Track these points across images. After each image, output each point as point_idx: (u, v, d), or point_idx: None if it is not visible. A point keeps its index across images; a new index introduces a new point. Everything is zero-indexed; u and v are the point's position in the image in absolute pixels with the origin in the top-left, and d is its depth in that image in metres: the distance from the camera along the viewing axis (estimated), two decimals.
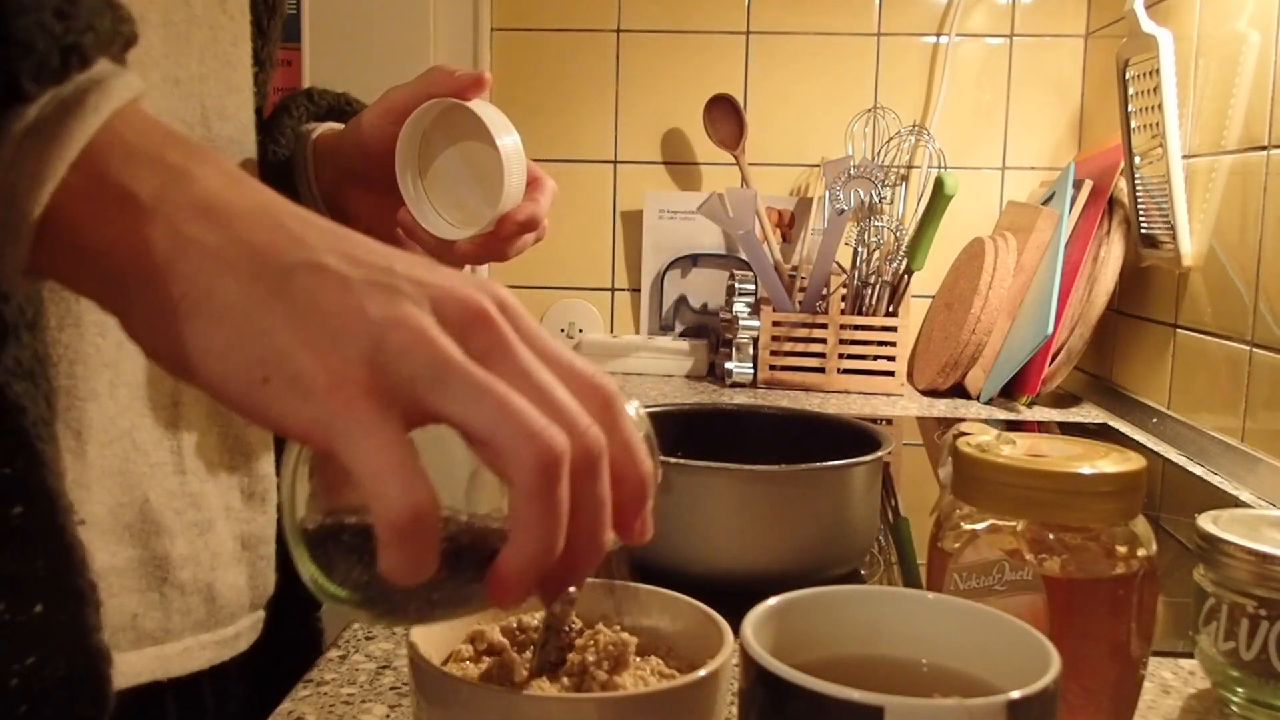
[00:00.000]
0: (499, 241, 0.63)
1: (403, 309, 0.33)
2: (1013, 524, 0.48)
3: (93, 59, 0.34)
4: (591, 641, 0.45)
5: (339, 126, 0.70)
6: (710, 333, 1.66)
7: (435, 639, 0.46)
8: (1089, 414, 1.39)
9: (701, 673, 0.42)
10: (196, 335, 0.33)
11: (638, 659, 0.46)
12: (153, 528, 0.53)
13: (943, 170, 1.54)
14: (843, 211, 1.48)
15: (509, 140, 0.62)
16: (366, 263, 0.34)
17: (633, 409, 0.40)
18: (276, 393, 0.32)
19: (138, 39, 0.37)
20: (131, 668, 0.51)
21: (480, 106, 0.61)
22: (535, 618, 0.48)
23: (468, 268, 0.56)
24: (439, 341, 0.33)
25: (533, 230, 0.64)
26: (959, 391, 1.49)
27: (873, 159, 1.57)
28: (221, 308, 0.33)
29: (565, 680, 0.44)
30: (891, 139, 1.61)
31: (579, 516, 0.34)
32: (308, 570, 0.37)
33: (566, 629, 0.45)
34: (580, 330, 1.73)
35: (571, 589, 0.44)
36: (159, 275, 0.33)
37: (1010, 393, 1.43)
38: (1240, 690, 0.55)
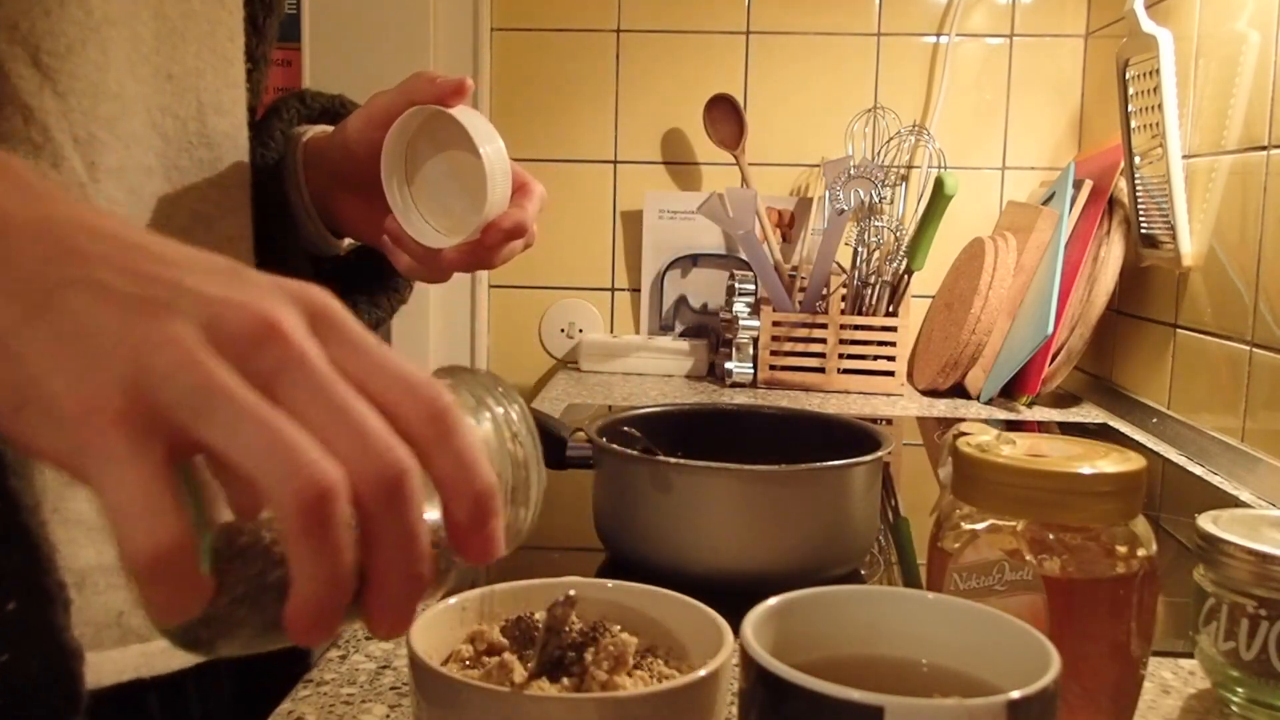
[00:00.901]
0: (485, 250, 0.62)
1: (171, 328, 0.30)
2: (1013, 524, 0.48)
3: None
4: (592, 642, 0.45)
5: (331, 129, 0.70)
6: (710, 333, 1.66)
7: (435, 639, 0.46)
8: (1089, 414, 1.39)
9: (701, 673, 0.42)
10: None
11: (638, 659, 0.46)
12: (104, 568, 0.51)
13: (943, 170, 1.54)
14: (843, 211, 1.48)
15: (491, 148, 0.61)
16: (149, 276, 0.31)
17: (515, 411, 0.39)
18: (30, 421, 0.30)
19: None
20: (115, 665, 0.51)
21: (463, 114, 0.61)
22: (537, 616, 0.48)
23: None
24: (204, 364, 0.30)
25: (519, 237, 0.63)
26: (959, 391, 1.49)
27: (873, 159, 1.57)
28: None
29: (565, 681, 0.44)
30: (891, 139, 1.61)
31: (378, 549, 0.31)
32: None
33: (566, 629, 0.45)
34: (580, 330, 1.73)
35: (571, 591, 0.44)
36: None
37: (1010, 393, 1.43)
38: (1240, 690, 0.55)
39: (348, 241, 0.72)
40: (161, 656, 0.54)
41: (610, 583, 0.50)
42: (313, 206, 0.68)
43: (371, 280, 0.73)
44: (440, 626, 0.47)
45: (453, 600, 0.48)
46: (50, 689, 0.43)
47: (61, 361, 0.30)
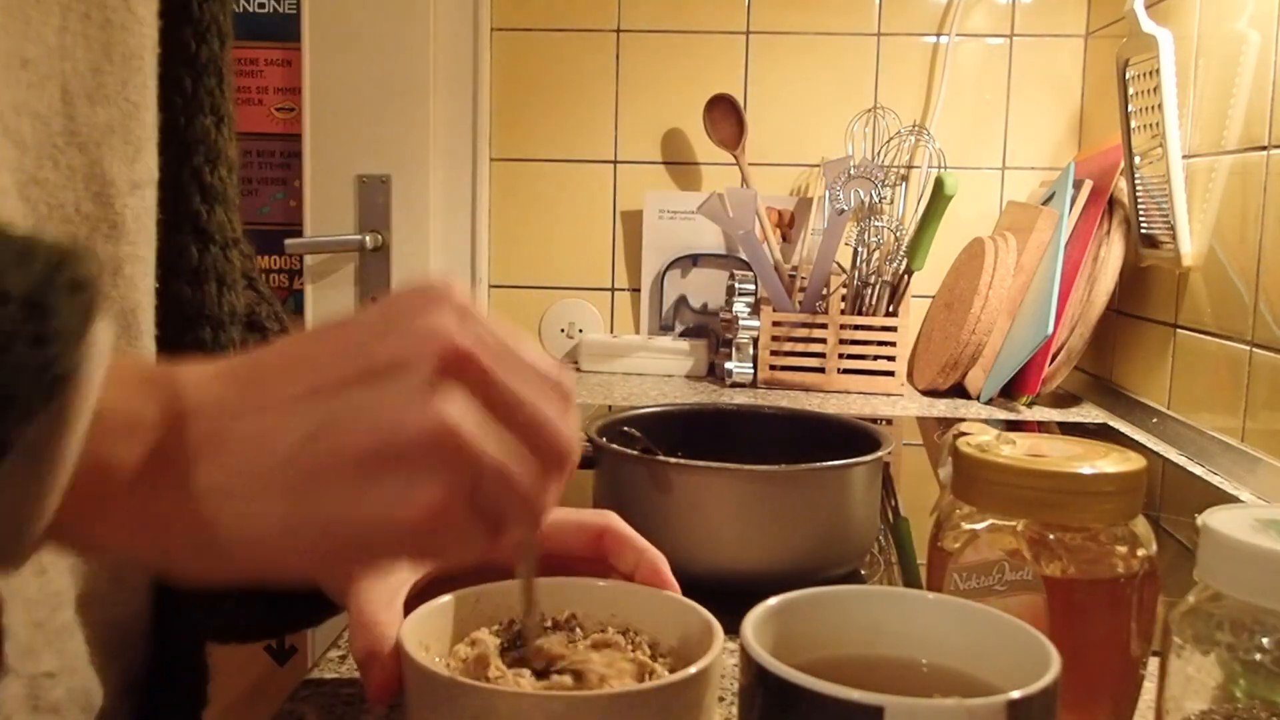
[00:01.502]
0: None
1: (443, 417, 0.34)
2: (1013, 524, 0.48)
3: (79, 374, 0.31)
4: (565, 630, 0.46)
5: None
6: (710, 333, 1.66)
7: (427, 636, 0.46)
8: (1089, 414, 1.39)
9: (691, 670, 0.42)
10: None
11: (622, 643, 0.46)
12: (20, 649, 0.47)
13: (943, 170, 1.54)
14: (843, 211, 1.48)
15: None
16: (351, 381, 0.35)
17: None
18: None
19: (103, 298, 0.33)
20: None
21: None
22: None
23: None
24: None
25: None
26: (959, 391, 1.49)
27: (873, 159, 1.57)
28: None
29: (554, 677, 0.44)
30: (891, 139, 1.61)
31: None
32: None
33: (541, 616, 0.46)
34: (580, 330, 1.73)
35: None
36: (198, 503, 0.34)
37: (1010, 393, 1.43)
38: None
39: None
40: None
41: (601, 582, 0.50)
42: None
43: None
44: (432, 624, 0.47)
45: (445, 598, 0.48)
46: None
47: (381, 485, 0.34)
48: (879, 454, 0.72)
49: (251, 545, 0.34)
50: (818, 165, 1.67)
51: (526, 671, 0.45)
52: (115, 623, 0.53)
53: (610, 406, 1.38)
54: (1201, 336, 1.20)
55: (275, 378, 0.35)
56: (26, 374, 0.30)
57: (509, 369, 0.36)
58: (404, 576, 0.49)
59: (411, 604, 0.47)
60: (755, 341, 1.50)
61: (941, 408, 1.42)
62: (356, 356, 0.35)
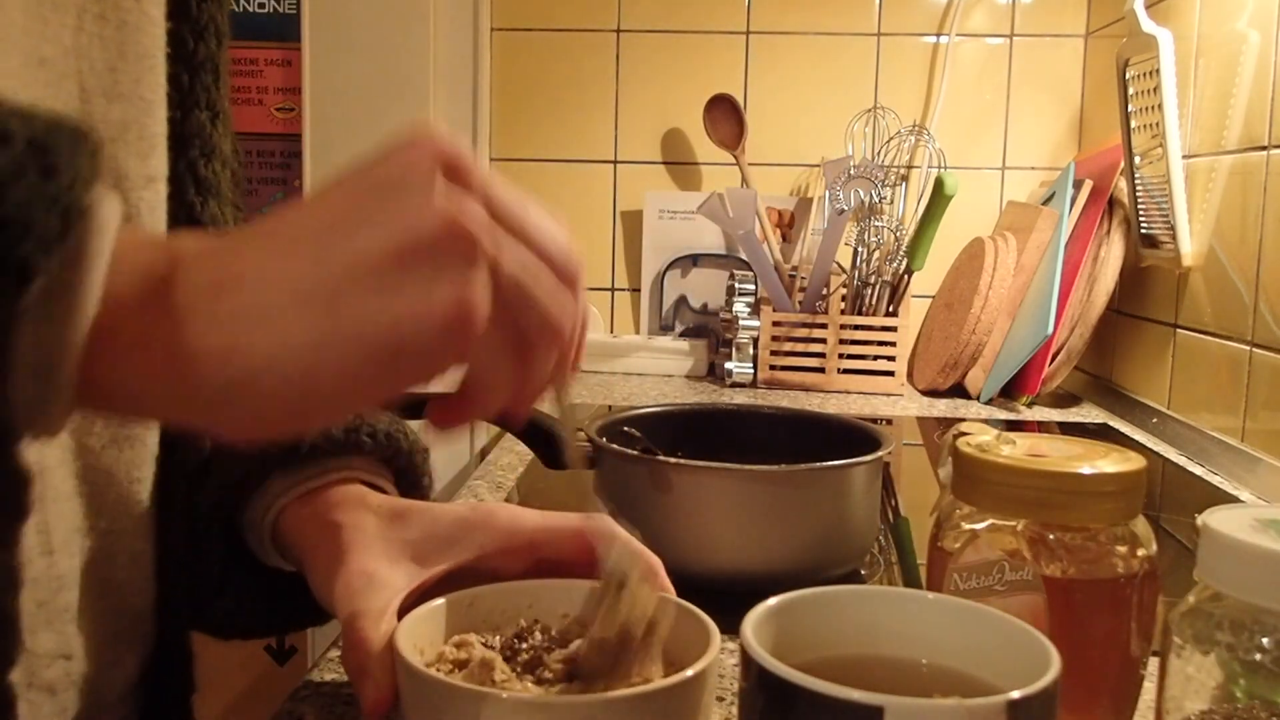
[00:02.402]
0: None
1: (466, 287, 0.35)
2: (1013, 524, 0.48)
3: (90, 209, 0.32)
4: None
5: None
6: (710, 333, 1.66)
7: (421, 639, 0.46)
8: (1089, 414, 1.39)
9: (688, 673, 0.42)
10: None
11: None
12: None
13: (943, 170, 1.54)
14: (843, 211, 1.48)
15: None
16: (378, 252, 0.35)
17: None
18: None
19: (106, 154, 0.34)
20: None
21: None
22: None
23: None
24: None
25: None
26: (959, 391, 1.49)
27: (873, 159, 1.57)
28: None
29: (548, 677, 0.44)
30: (891, 139, 1.61)
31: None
32: None
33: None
34: None
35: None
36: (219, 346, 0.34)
37: (1010, 393, 1.43)
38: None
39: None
40: None
41: (598, 584, 0.50)
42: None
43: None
44: (427, 626, 0.47)
45: (438, 601, 0.48)
46: None
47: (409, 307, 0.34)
48: (879, 454, 0.72)
49: (278, 370, 0.34)
50: (818, 165, 1.67)
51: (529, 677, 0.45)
52: (125, 611, 0.53)
53: (610, 406, 1.38)
54: (1201, 336, 1.20)
55: (280, 221, 0.36)
56: (39, 202, 0.30)
57: (505, 191, 0.37)
58: (397, 588, 0.49)
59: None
60: (755, 341, 1.50)
61: (941, 408, 1.42)
62: (358, 183, 0.36)
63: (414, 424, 0.53)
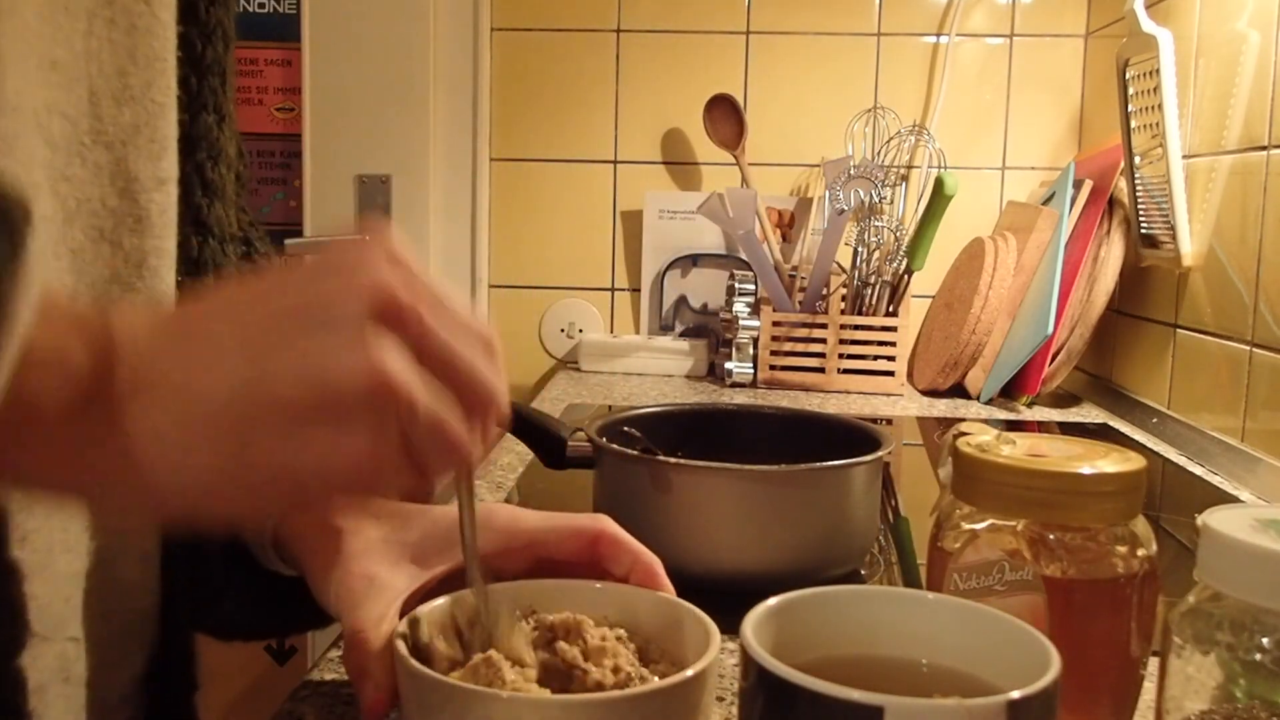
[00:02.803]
0: None
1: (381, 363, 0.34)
2: (1013, 524, 0.48)
3: (7, 303, 0.31)
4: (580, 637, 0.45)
5: None
6: (710, 333, 1.66)
7: (421, 638, 0.46)
8: (1089, 414, 1.39)
9: (688, 673, 0.42)
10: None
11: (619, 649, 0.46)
12: (53, 620, 0.48)
13: (943, 170, 1.53)
14: (843, 211, 1.48)
15: None
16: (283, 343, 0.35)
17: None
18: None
19: (31, 216, 0.32)
20: None
21: None
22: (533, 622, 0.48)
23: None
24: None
25: None
26: (959, 391, 1.49)
27: (873, 159, 1.57)
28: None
29: (552, 680, 0.44)
30: (891, 139, 1.61)
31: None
32: None
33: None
34: (580, 330, 1.73)
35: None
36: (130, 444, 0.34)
37: (1010, 393, 1.43)
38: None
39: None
40: None
41: (598, 584, 0.50)
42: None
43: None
44: (426, 626, 0.47)
45: (440, 601, 0.48)
46: None
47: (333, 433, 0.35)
48: (879, 454, 0.72)
49: (185, 490, 0.34)
50: (818, 165, 1.67)
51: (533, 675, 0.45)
52: (133, 611, 0.54)
53: (610, 406, 1.38)
54: (1201, 336, 1.20)
55: (207, 320, 0.36)
56: None
57: (440, 319, 0.36)
58: (398, 590, 0.49)
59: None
60: (755, 341, 1.50)
61: (941, 408, 1.42)
62: (289, 303, 0.35)
63: None
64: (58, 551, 0.47)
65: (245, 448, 0.34)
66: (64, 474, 0.35)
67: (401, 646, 0.43)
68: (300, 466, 0.34)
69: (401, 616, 0.47)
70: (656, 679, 0.44)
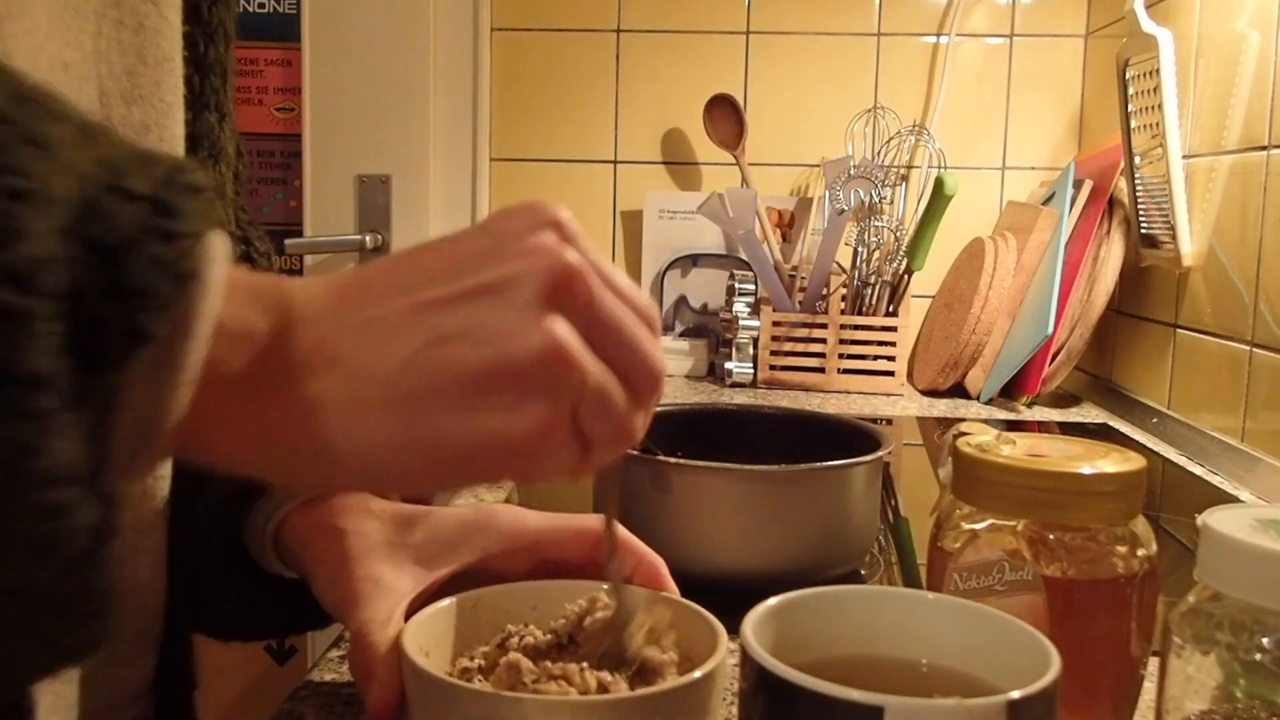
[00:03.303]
0: None
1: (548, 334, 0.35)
2: (1013, 524, 0.48)
3: (204, 273, 0.32)
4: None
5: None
6: (710, 333, 1.66)
7: (428, 640, 0.46)
8: (1089, 414, 1.39)
9: (696, 674, 0.42)
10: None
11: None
12: None
13: (943, 170, 1.53)
14: (843, 211, 1.48)
15: None
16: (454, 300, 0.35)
17: None
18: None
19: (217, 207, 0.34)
20: None
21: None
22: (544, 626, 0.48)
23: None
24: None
25: None
26: (959, 391, 1.49)
27: (873, 159, 1.57)
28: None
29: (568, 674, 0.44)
30: (891, 139, 1.61)
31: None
32: None
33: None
34: None
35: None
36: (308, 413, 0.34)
37: (1010, 393, 1.43)
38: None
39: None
40: None
41: (604, 585, 0.50)
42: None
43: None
44: (432, 629, 0.47)
45: (445, 602, 0.48)
46: None
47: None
48: (879, 454, 0.72)
49: (362, 458, 0.34)
50: (818, 165, 1.67)
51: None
52: (145, 609, 0.54)
53: None
54: (1201, 336, 1.20)
55: (383, 292, 0.36)
56: (160, 267, 0.30)
57: (608, 293, 0.37)
58: (402, 592, 0.49)
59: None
60: (755, 341, 1.50)
61: (941, 408, 1.42)
62: (465, 272, 0.35)
63: None
64: None
65: (419, 418, 0.34)
66: (247, 446, 0.35)
67: (408, 647, 0.43)
68: (474, 438, 0.34)
69: (406, 619, 0.47)
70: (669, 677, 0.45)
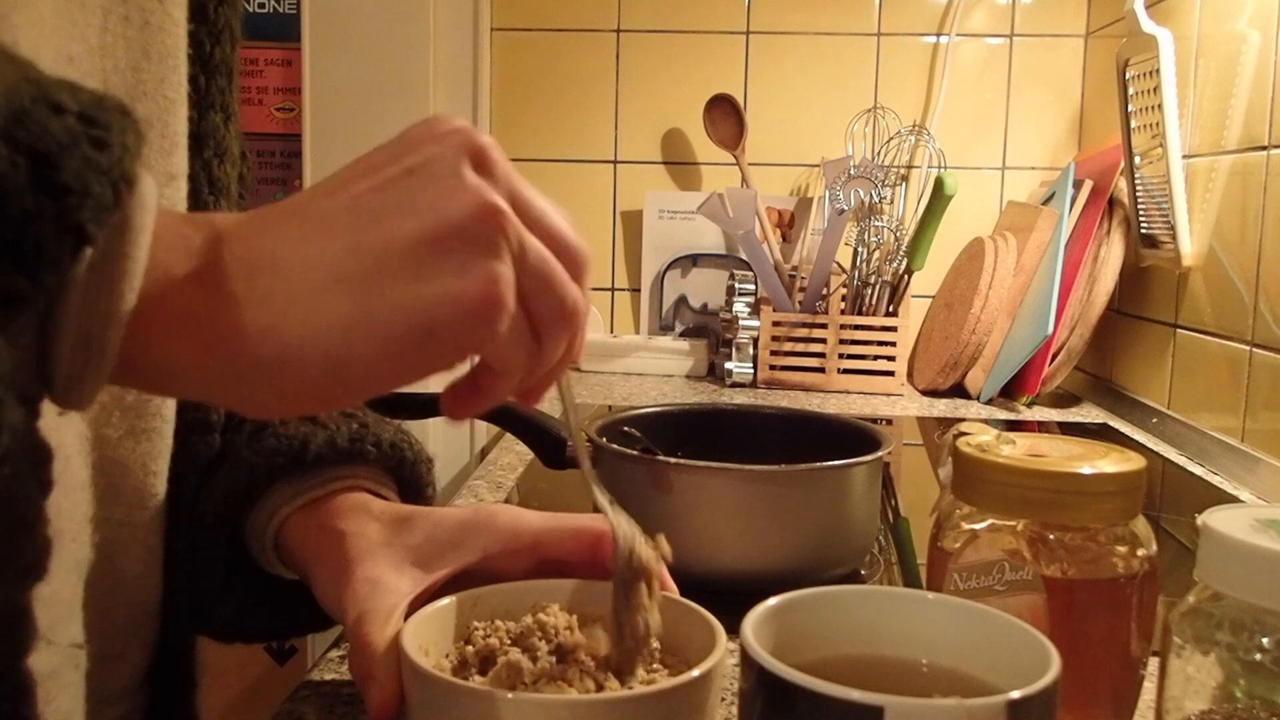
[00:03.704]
0: None
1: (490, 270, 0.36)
2: (1013, 524, 0.48)
3: (137, 180, 0.33)
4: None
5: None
6: (710, 333, 1.66)
7: (426, 639, 0.46)
8: (1089, 414, 1.39)
9: (694, 673, 0.42)
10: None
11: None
12: (62, 613, 0.47)
13: (943, 170, 1.53)
14: (843, 211, 1.48)
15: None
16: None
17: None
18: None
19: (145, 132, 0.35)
20: None
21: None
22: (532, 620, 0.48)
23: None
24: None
25: None
26: (959, 391, 1.49)
27: (873, 159, 1.57)
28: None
29: (568, 679, 0.44)
30: (891, 139, 1.61)
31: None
32: None
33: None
34: None
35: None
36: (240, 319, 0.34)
37: (1010, 393, 1.43)
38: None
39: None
40: None
41: (601, 584, 0.50)
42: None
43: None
44: (432, 628, 0.47)
45: (445, 600, 0.48)
46: None
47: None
48: (879, 454, 0.72)
49: (315, 347, 0.35)
50: (818, 165, 1.67)
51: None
52: (135, 605, 0.54)
53: (610, 406, 1.38)
54: (1201, 336, 1.20)
55: (310, 199, 0.37)
56: (93, 170, 0.31)
57: (517, 175, 0.38)
58: (402, 593, 0.49)
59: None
60: (755, 341, 1.50)
61: (941, 408, 1.42)
62: (385, 166, 0.37)
63: (426, 422, 0.53)
64: (66, 540, 0.47)
65: (372, 294, 0.35)
66: (203, 358, 0.35)
67: (408, 646, 0.43)
68: (430, 303, 0.35)
69: (406, 619, 0.47)
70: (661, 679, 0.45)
